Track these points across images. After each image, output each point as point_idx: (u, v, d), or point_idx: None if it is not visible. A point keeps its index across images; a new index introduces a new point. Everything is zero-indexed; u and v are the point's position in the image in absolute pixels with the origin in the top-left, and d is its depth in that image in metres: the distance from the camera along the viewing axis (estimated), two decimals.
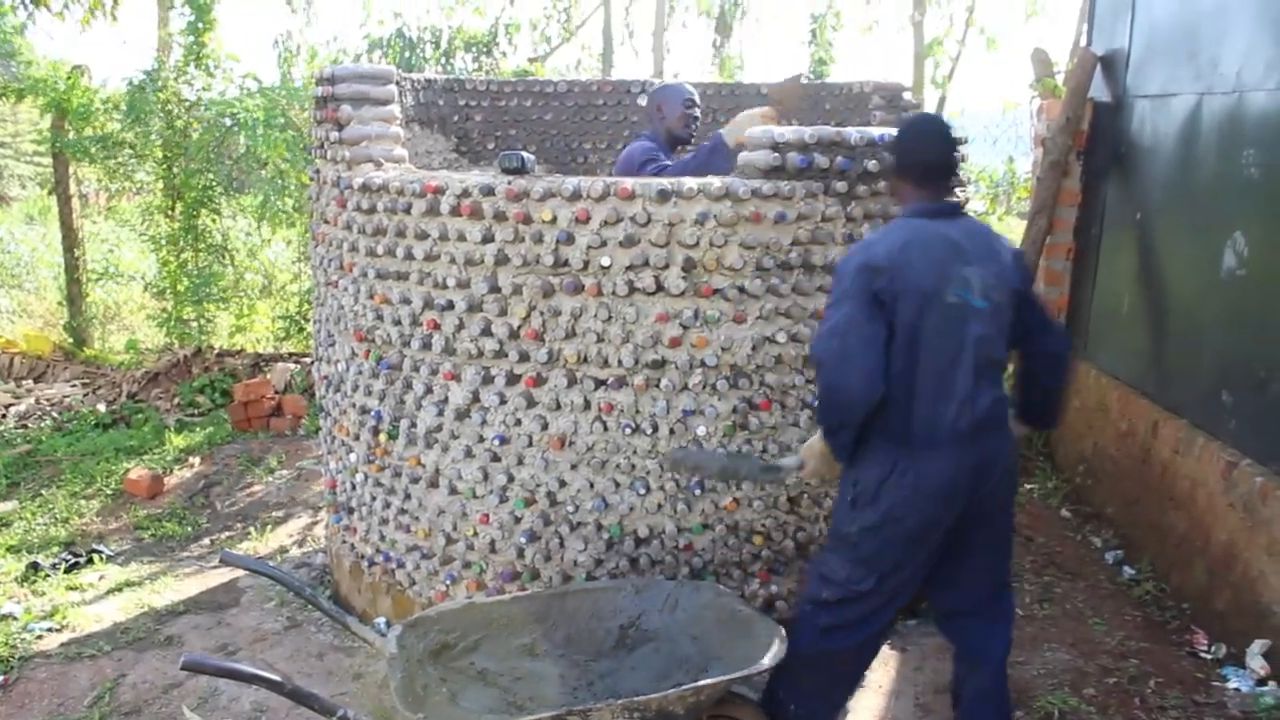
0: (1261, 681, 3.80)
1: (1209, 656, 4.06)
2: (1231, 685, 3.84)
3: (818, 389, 3.01)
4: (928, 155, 3.08)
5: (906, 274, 2.88)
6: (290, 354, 9.03)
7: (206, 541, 5.73)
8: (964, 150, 4.36)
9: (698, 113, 4.62)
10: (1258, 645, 3.87)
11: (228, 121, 8.43)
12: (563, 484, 3.72)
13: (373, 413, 4.04)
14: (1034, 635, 4.25)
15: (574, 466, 3.69)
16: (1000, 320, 2.99)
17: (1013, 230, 9.52)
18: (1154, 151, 5.21)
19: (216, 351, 8.87)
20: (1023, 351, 3.20)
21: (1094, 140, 6.03)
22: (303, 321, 9.33)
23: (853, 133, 3.68)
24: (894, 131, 3.78)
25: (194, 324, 8.92)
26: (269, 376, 8.05)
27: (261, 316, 9.69)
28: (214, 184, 8.70)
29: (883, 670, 3.92)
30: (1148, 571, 4.74)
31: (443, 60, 9.51)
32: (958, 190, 3.18)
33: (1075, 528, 5.37)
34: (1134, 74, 5.52)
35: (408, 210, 3.75)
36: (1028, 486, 5.93)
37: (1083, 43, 6.39)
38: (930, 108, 10.02)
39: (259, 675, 2.80)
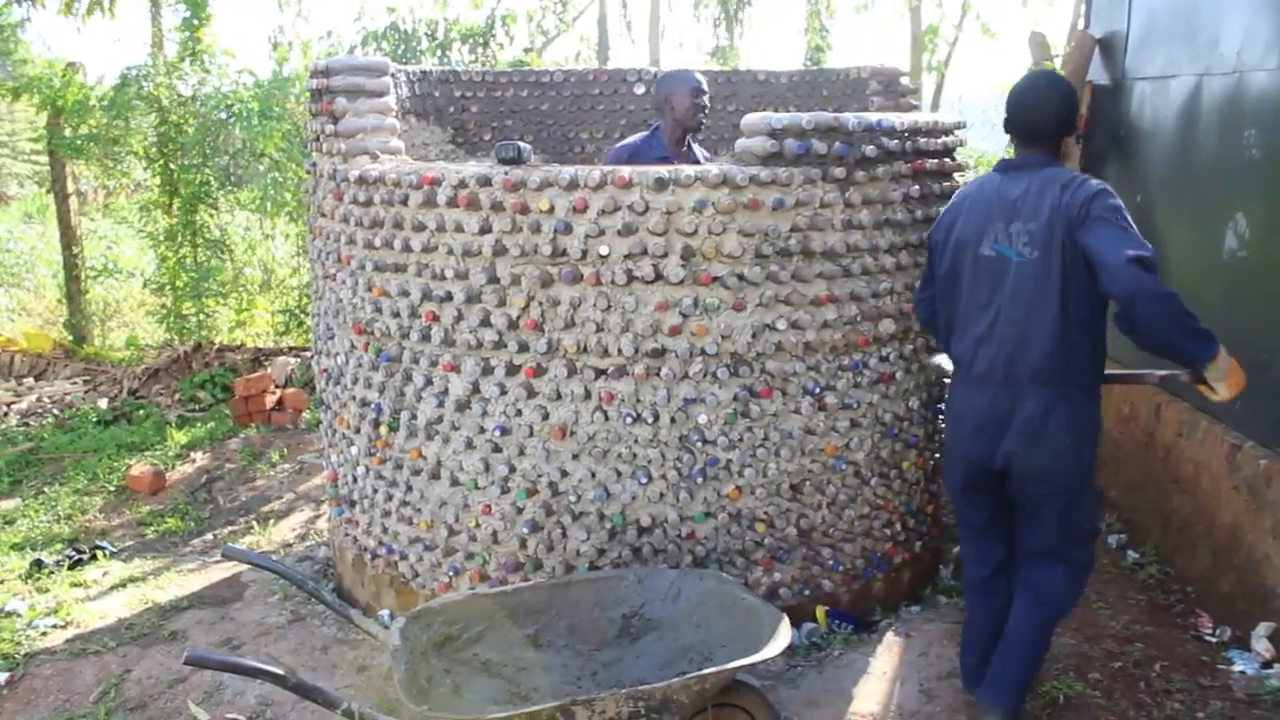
0: (1266, 664, 3.79)
1: (1214, 640, 4.05)
2: (1237, 668, 3.83)
3: None
4: (1009, 114, 3.30)
5: (954, 226, 3.26)
6: (290, 348, 9.02)
7: (209, 537, 5.72)
8: (961, 135, 4.36)
9: (707, 101, 4.54)
10: (1263, 628, 3.86)
11: (223, 115, 8.41)
12: (564, 474, 3.71)
13: (373, 405, 4.04)
14: None
15: (575, 456, 3.69)
16: (1043, 273, 3.05)
17: None
18: (1154, 134, 5.18)
19: (217, 347, 8.86)
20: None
21: (1093, 123, 6.00)
22: (302, 315, 9.33)
23: (850, 118, 3.67)
24: (890, 117, 3.79)
25: (193, 319, 8.91)
26: (269, 371, 8.04)
27: (261, 311, 9.68)
28: (211, 179, 8.68)
29: (886, 656, 3.92)
30: (1152, 555, 4.73)
31: (439, 53, 9.48)
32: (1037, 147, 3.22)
33: None
34: (1133, 56, 5.49)
35: (404, 202, 3.74)
36: None
37: (1080, 25, 6.36)
38: (928, 94, 10.00)
39: (263, 669, 2.80)
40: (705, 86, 4.53)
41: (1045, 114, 3.19)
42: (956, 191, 3.57)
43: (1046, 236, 3.03)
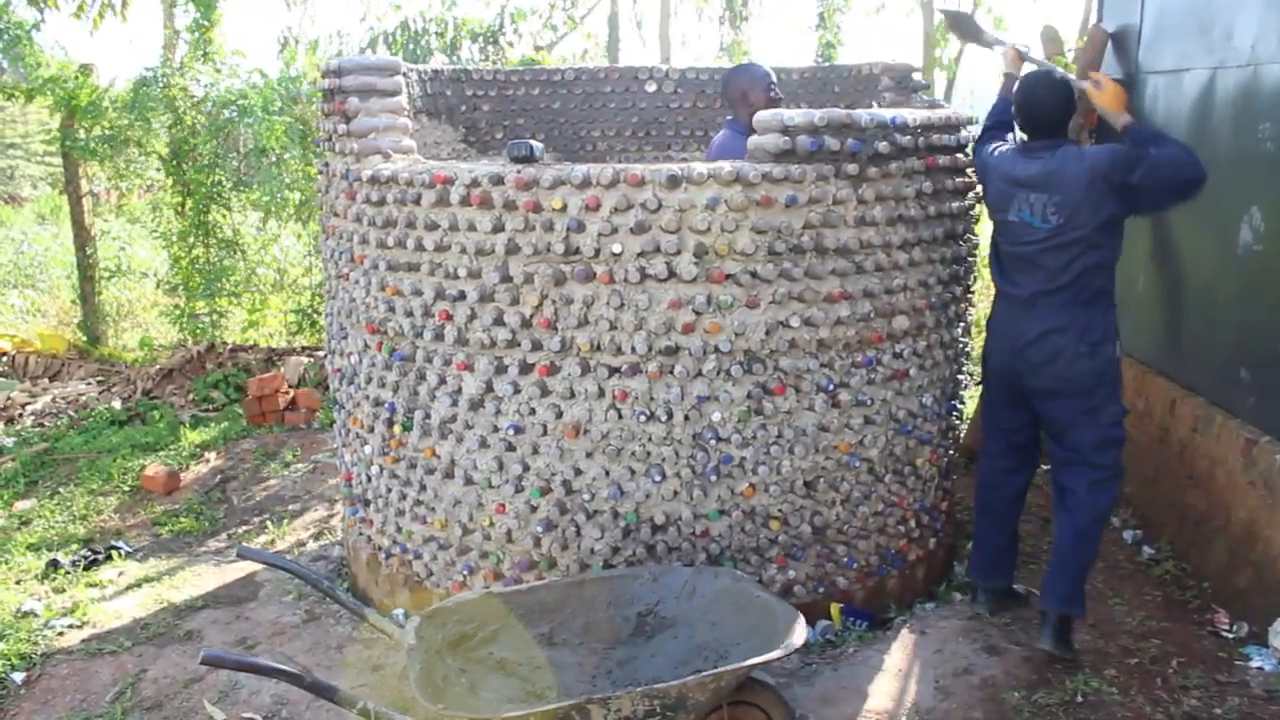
0: None
1: (1231, 636, 4.03)
2: (1254, 664, 3.82)
3: None
4: (1021, 109, 3.98)
5: (986, 183, 4.06)
6: (303, 348, 9.04)
7: (224, 536, 5.74)
8: (974, 131, 4.35)
9: (779, 93, 4.61)
10: None
11: (231, 114, 8.43)
12: (578, 472, 3.71)
13: (386, 405, 4.04)
14: None
15: (589, 454, 3.69)
16: (1068, 238, 3.74)
17: None
18: (1167, 128, 5.15)
19: (229, 347, 8.89)
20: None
21: (1106, 118, 5.97)
22: (315, 315, 9.34)
23: (863, 115, 3.66)
24: (903, 113, 3.79)
25: (206, 319, 8.93)
26: (282, 371, 8.06)
27: (274, 311, 9.70)
28: (223, 179, 8.71)
29: (901, 653, 3.91)
30: (1167, 551, 4.71)
31: (448, 51, 9.48)
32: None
33: None
34: (1146, 50, 5.47)
35: (417, 201, 3.75)
36: (1043, 468, 5.89)
37: (1093, 19, 6.33)
38: (940, 90, 9.97)
39: (278, 669, 2.80)
40: (775, 79, 4.63)
41: (1047, 110, 3.89)
42: (987, 151, 4.04)
43: (1069, 205, 3.71)
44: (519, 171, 3.55)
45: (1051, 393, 3.89)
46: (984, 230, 4.36)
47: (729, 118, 4.65)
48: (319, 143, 4.70)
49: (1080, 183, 3.69)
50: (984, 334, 4.15)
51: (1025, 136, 3.98)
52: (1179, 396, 4.76)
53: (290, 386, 7.80)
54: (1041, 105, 3.87)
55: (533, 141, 3.68)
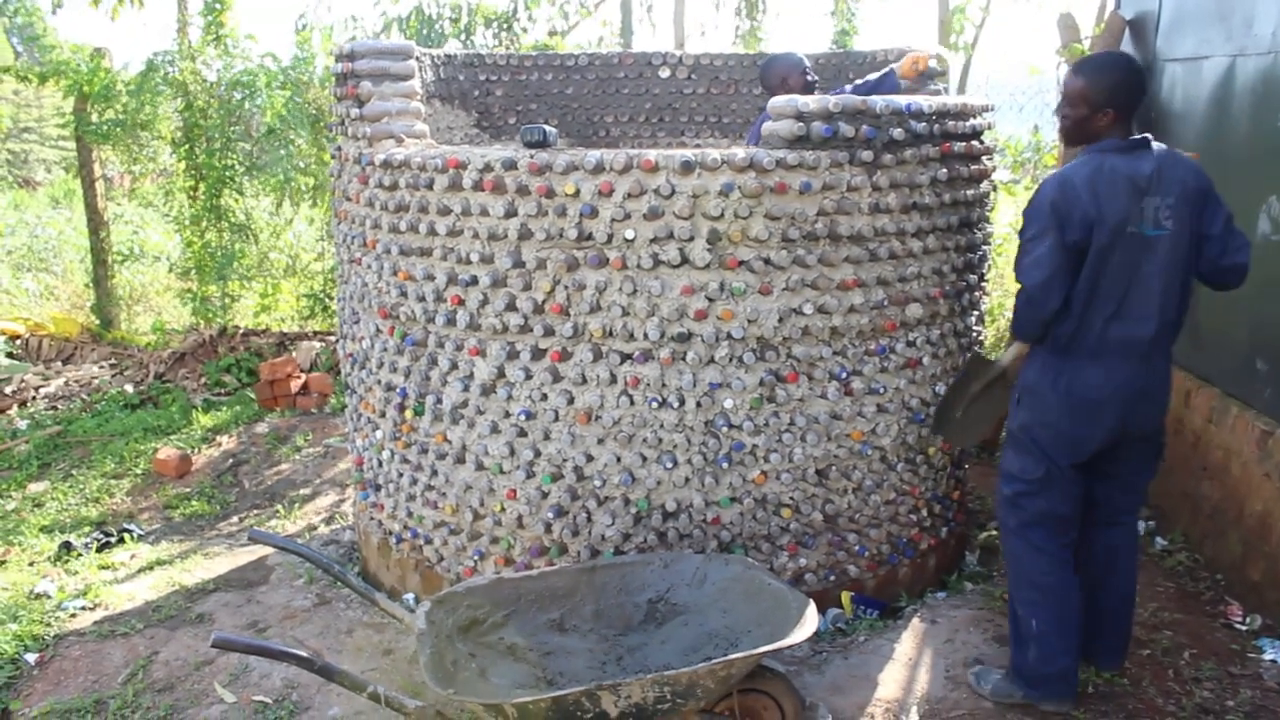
0: None
1: (1244, 628, 4.01)
2: (1268, 657, 3.80)
3: (1021, 309, 3.33)
4: (1126, 93, 3.27)
5: (1090, 208, 3.16)
6: (315, 332, 9.05)
7: (235, 520, 5.76)
8: (989, 119, 4.31)
9: (816, 78, 4.77)
10: None
11: (239, 95, 8.42)
12: (589, 458, 3.71)
13: (398, 389, 4.04)
14: None
15: (601, 441, 3.68)
16: (1178, 246, 3.23)
17: None
18: (1185, 116, 5.12)
19: (242, 331, 8.90)
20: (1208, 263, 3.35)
21: None
22: (327, 300, 9.35)
23: (877, 101, 3.64)
24: (918, 99, 3.75)
25: (218, 303, 8.95)
26: (294, 355, 8.07)
27: (286, 295, 9.71)
28: (235, 163, 8.71)
29: (912, 643, 3.90)
30: (1180, 542, 4.69)
31: (462, 36, 9.45)
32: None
33: None
34: (1164, 37, 5.42)
35: (430, 186, 3.74)
36: None
37: (1110, 6, 6.28)
38: (955, 75, 9.89)
39: (289, 652, 2.81)
40: (809, 65, 4.79)
41: (1135, 92, 3.31)
42: (1063, 179, 3.20)
43: (1181, 210, 3.21)
44: (532, 156, 3.54)
45: (1143, 439, 3.44)
46: (998, 219, 4.33)
47: (764, 105, 4.72)
48: (331, 127, 4.69)
49: (1194, 188, 3.24)
50: (1033, 402, 3.39)
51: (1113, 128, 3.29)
52: (1194, 387, 4.73)
53: (302, 371, 7.81)
54: (1142, 83, 3.33)
55: (546, 126, 3.67)
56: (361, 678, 2.93)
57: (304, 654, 2.82)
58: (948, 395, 3.85)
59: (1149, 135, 3.30)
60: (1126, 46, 5.85)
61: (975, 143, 4.11)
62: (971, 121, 4.05)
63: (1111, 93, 3.24)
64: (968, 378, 3.80)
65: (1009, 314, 7.77)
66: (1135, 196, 3.17)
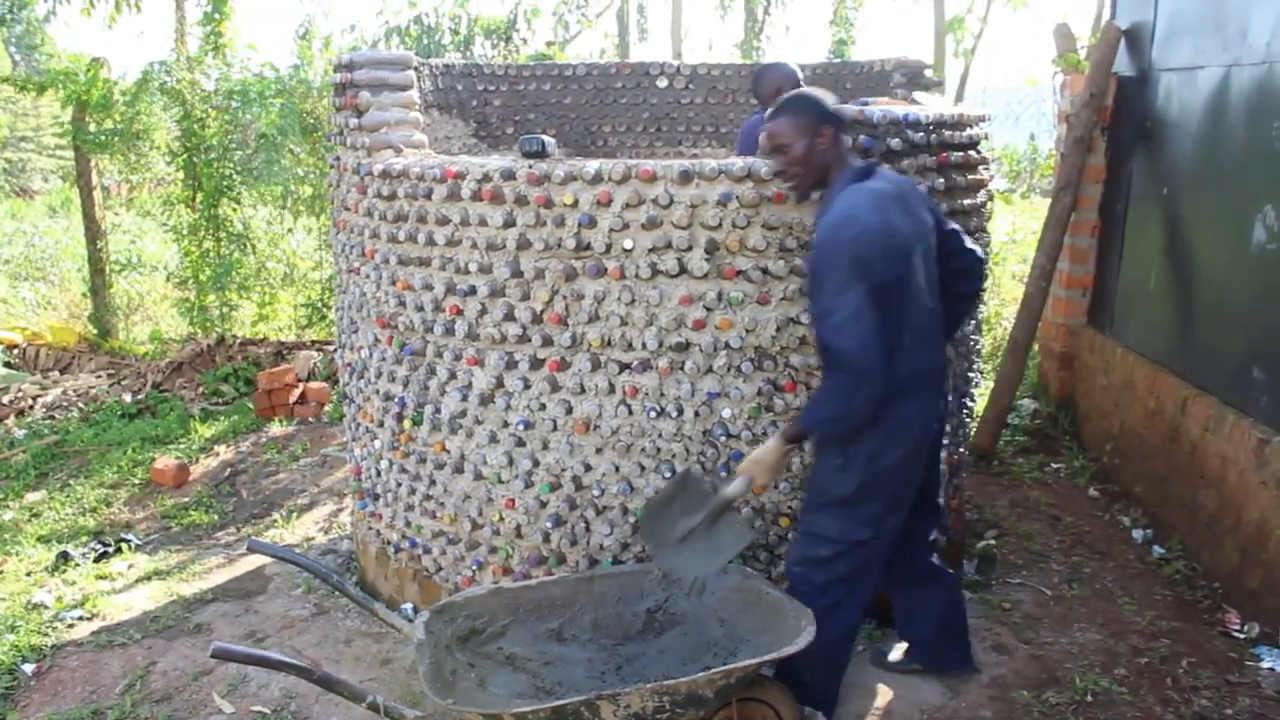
0: None
1: (1241, 636, 4.02)
2: (1265, 665, 3.81)
3: (848, 375, 3.01)
4: (822, 102, 3.20)
5: (890, 250, 3.02)
6: (313, 342, 9.05)
7: (233, 530, 5.75)
8: (986, 128, 4.33)
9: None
10: None
11: (235, 104, 8.44)
12: (588, 468, 3.71)
13: (397, 399, 4.04)
14: (1063, 615, 4.22)
15: (599, 450, 3.68)
16: (932, 256, 3.23)
17: (1036, 208, 9.45)
18: (1181, 125, 5.14)
19: (239, 340, 8.90)
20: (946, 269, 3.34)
21: (1119, 115, 5.96)
22: (324, 309, 9.35)
23: (875, 111, 3.65)
24: (916, 110, 3.76)
25: (216, 312, 8.95)
26: (292, 364, 8.07)
27: (284, 305, 9.72)
28: (233, 173, 8.72)
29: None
30: (1177, 550, 4.70)
31: (461, 47, 9.48)
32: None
33: (1103, 507, 5.33)
34: (1159, 47, 5.45)
35: (428, 196, 3.74)
36: (1054, 465, 5.89)
37: (1106, 16, 6.31)
38: (951, 85, 9.93)
39: (288, 662, 2.81)
40: (801, 75, 4.84)
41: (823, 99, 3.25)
42: (849, 220, 3.02)
43: (929, 221, 3.23)
44: (531, 166, 3.55)
45: (938, 448, 3.52)
46: (995, 228, 4.34)
47: (756, 112, 4.79)
48: (330, 137, 4.70)
49: (922, 194, 3.39)
50: (877, 436, 3.17)
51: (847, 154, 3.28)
52: (1191, 395, 4.75)
53: (299, 380, 7.81)
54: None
55: (544, 137, 3.68)
56: (361, 688, 2.93)
57: (303, 664, 2.82)
58: (654, 506, 3.50)
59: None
60: (1122, 56, 5.88)
61: (973, 152, 4.12)
62: (968, 131, 4.06)
63: (814, 108, 3.18)
64: (681, 500, 3.46)
65: (1006, 323, 7.80)
66: (906, 217, 3.11)
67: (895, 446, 3.15)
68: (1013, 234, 9.41)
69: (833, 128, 3.18)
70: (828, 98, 3.23)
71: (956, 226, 3.41)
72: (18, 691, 4.00)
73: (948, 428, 4.15)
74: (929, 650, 3.75)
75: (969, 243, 3.41)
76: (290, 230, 9.67)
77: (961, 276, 3.40)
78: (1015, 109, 10.72)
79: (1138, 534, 4.96)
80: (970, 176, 4.09)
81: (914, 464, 3.24)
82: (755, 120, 4.68)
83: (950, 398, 3.46)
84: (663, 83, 5.97)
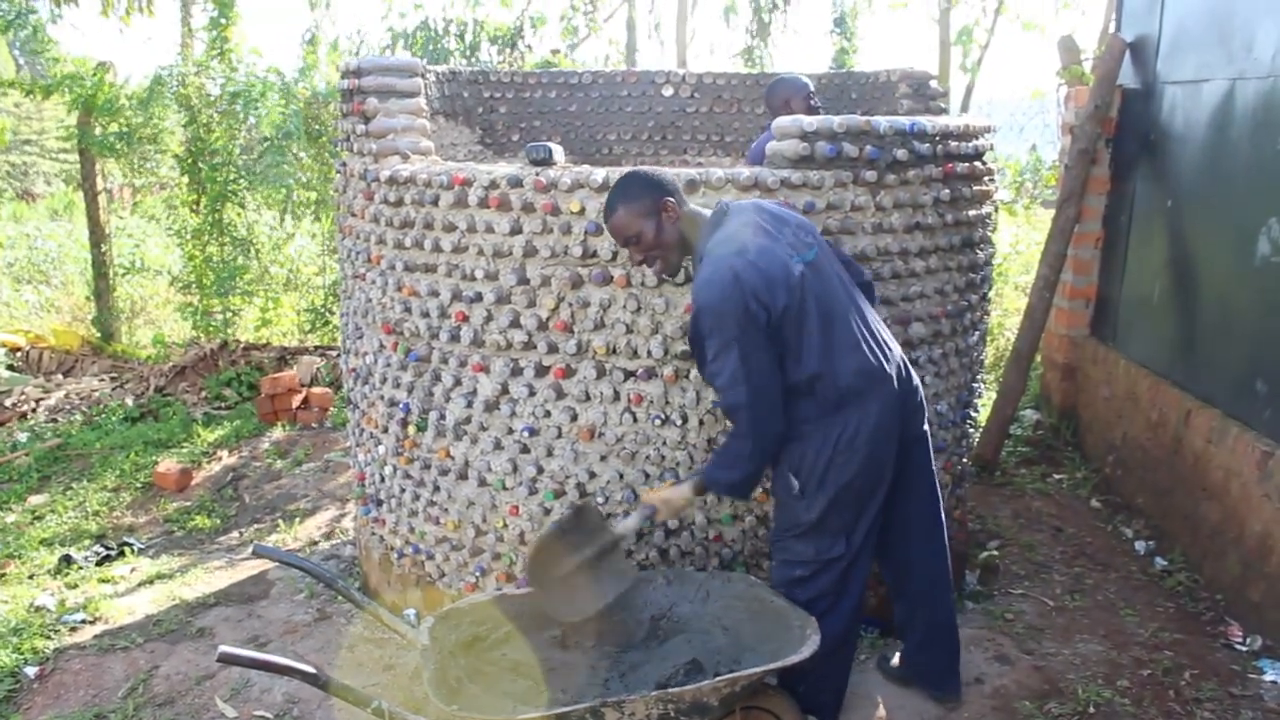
0: None
1: (1244, 649, 4.02)
2: (1268, 678, 3.81)
3: (743, 437, 3.05)
4: (655, 178, 3.21)
5: (769, 280, 2.97)
6: (316, 347, 9.06)
7: (235, 534, 5.75)
8: (991, 139, 4.33)
9: (819, 103, 4.85)
10: None
11: (239, 108, 8.46)
12: (592, 475, 3.71)
13: (401, 405, 4.05)
14: (1065, 626, 4.22)
15: (603, 458, 3.69)
16: (829, 257, 3.21)
17: (1039, 219, 9.46)
18: (1185, 138, 5.16)
19: (242, 345, 8.90)
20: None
21: (1123, 127, 5.97)
22: (327, 314, 9.36)
23: (881, 122, 3.66)
24: (921, 120, 3.76)
25: (219, 316, 8.96)
26: (295, 370, 8.08)
27: (287, 310, 9.72)
28: (237, 177, 8.73)
29: None
30: (1180, 562, 4.70)
31: (467, 53, 9.50)
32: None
33: (1105, 518, 5.33)
34: (1164, 60, 5.46)
35: (435, 202, 3.75)
36: (1056, 476, 5.89)
37: (1111, 29, 6.33)
38: (957, 97, 9.95)
39: (294, 667, 2.80)
40: (813, 88, 4.88)
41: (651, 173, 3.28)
42: (730, 274, 2.96)
43: (808, 226, 3.24)
44: (538, 174, 3.56)
45: (920, 440, 3.40)
46: (998, 239, 4.35)
47: (767, 124, 4.78)
48: (336, 142, 4.71)
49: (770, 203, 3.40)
50: (824, 454, 3.12)
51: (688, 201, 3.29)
52: (1194, 408, 4.75)
53: (302, 385, 7.81)
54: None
55: (551, 144, 3.69)
56: (366, 693, 2.93)
57: (309, 669, 2.82)
58: (545, 540, 3.33)
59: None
60: (1126, 69, 5.89)
61: (978, 163, 4.13)
62: (974, 142, 4.07)
63: (646, 187, 3.16)
64: (575, 534, 3.35)
65: (1009, 334, 7.81)
66: (778, 243, 3.06)
67: (848, 460, 3.09)
68: (1015, 245, 9.43)
69: (672, 198, 3.16)
70: (654, 171, 3.23)
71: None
72: (20, 694, 4.00)
73: (949, 437, 4.18)
74: (915, 664, 3.73)
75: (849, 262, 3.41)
76: (292, 235, 9.68)
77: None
78: (1020, 120, 10.74)
79: (1140, 545, 4.97)
80: (976, 187, 4.10)
81: (875, 468, 3.15)
82: (768, 136, 4.67)
83: (922, 393, 3.32)
84: (668, 91, 5.98)
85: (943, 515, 3.53)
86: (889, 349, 3.20)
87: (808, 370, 3.03)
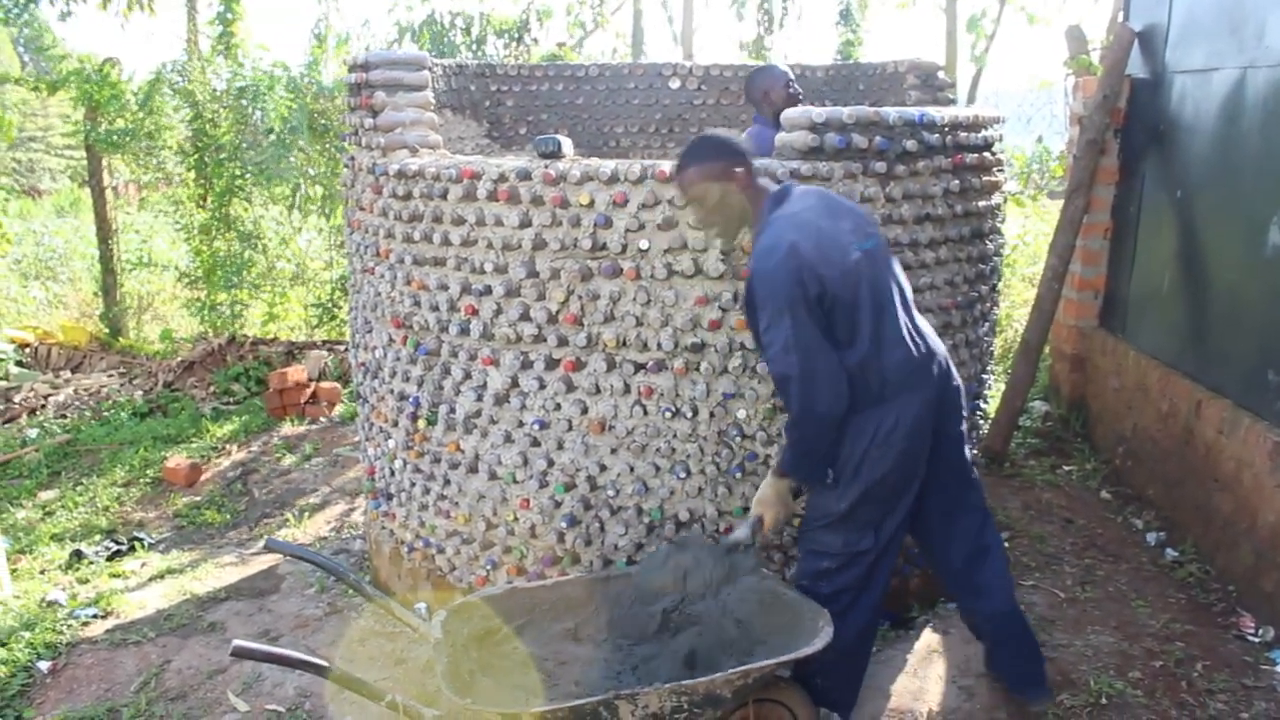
0: None
1: (1257, 640, 4.01)
2: None
3: (791, 414, 3.06)
4: (729, 143, 3.22)
5: (825, 258, 2.98)
6: (323, 341, 9.07)
7: (245, 529, 5.77)
8: (1000, 130, 4.32)
9: (798, 90, 4.77)
10: None
11: (245, 103, 8.46)
12: (603, 468, 3.71)
13: (411, 399, 4.05)
14: (1077, 618, 4.21)
15: (614, 450, 3.69)
16: (884, 250, 3.19)
17: (1047, 210, 9.43)
18: (1194, 128, 5.13)
19: (250, 340, 8.92)
20: None
21: (1132, 117, 5.95)
22: (335, 309, 9.37)
23: (891, 113, 3.65)
24: (930, 111, 3.75)
25: (227, 311, 8.97)
26: (303, 364, 8.09)
27: (294, 305, 9.73)
28: (244, 172, 8.74)
29: (924, 653, 3.91)
30: (1191, 553, 4.68)
31: (474, 47, 9.49)
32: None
33: (1116, 509, 5.31)
34: (1173, 49, 5.44)
35: (444, 196, 3.75)
36: (1066, 468, 5.88)
37: (1120, 18, 6.30)
38: (963, 88, 9.92)
39: (308, 661, 2.81)
40: (793, 76, 4.81)
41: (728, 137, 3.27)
42: (782, 245, 2.98)
43: (869, 219, 3.24)
44: (547, 166, 3.55)
45: (956, 439, 3.33)
46: (1005, 230, 4.33)
47: (755, 114, 4.78)
48: (345, 137, 4.71)
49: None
50: (861, 445, 3.11)
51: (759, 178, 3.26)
52: (1205, 398, 4.74)
53: (311, 379, 7.82)
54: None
55: (560, 137, 3.68)
56: (380, 687, 2.93)
57: (323, 663, 2.83)
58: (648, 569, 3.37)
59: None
60: (1135, 58, 5.87)
61: (987, 154, 4.12)
62: (983, 133, 4.06)
63: (720, 153, 3.15)
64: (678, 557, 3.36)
65: (1017, 325, 7.79)
66: (838, 224, 3.07)
67: (883, 454, 3.09)
68: (1023, 236, 9.40)
69: (743, 168, 3.17)
70: (731, 138, 3.21)
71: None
72: (34, 689, 4.02)
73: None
74: (996, 662, 3.65)
75: None
76: (299, 230, 9.69)
77: None
78: (1027, 111, 10.71)
79: (1151, 537, 4.95)
80: (985, 178, 4.09)
81: (909, 464, 3.15)
82: (753, 131, 4.67)
83: (962, 392, 3.31)
84: (675, 84, 5.97)
85: (985, 508, 3.46)
86: (932, 345, 3.19)
87: (858, 356, 3.03)
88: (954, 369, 3.28)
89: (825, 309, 2.99)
